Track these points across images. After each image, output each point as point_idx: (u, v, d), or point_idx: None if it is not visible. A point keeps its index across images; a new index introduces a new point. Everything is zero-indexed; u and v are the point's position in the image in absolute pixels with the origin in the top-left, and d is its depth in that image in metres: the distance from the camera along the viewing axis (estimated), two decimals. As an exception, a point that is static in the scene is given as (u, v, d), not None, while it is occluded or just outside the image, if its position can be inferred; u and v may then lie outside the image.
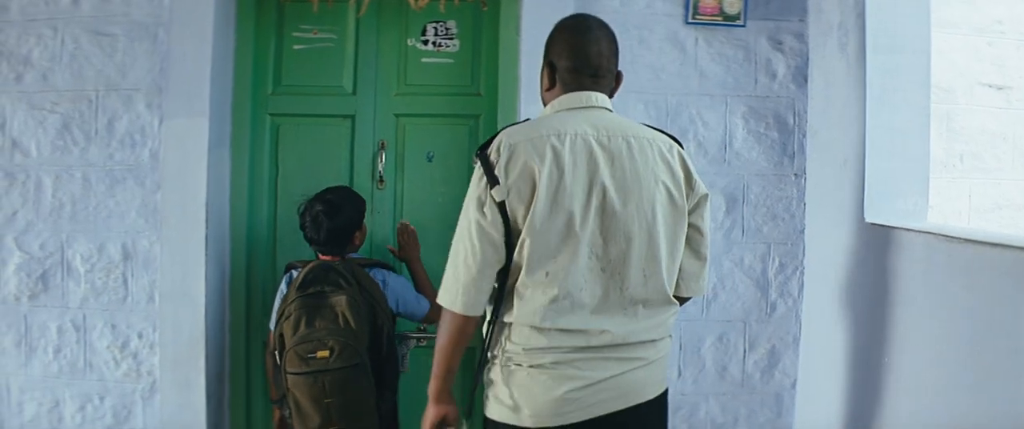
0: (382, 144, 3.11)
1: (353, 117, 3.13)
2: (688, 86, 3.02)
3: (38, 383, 3.06)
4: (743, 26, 3.02)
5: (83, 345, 3.04)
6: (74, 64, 3.00)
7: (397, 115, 3.13)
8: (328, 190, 2.83)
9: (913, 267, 2.38)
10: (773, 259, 3.06)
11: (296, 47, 3.14)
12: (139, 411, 3.04)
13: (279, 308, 2.73)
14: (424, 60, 3.14)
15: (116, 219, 3.01)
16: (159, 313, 2.99)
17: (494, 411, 2.06)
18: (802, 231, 3.06)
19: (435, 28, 3.13)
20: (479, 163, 1.99)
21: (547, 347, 1.98)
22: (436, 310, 2.86)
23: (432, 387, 2.11)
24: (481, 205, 1.96)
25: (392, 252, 3.07)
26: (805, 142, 3.05)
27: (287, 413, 2.71)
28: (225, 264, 3.11)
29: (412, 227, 3.04)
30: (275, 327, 2.73)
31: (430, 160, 3.12)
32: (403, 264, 3.07)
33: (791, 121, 3.05)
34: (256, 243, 3.15)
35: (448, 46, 3.13)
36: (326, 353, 2.58)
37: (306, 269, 2.71)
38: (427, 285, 2.97)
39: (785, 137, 3.05)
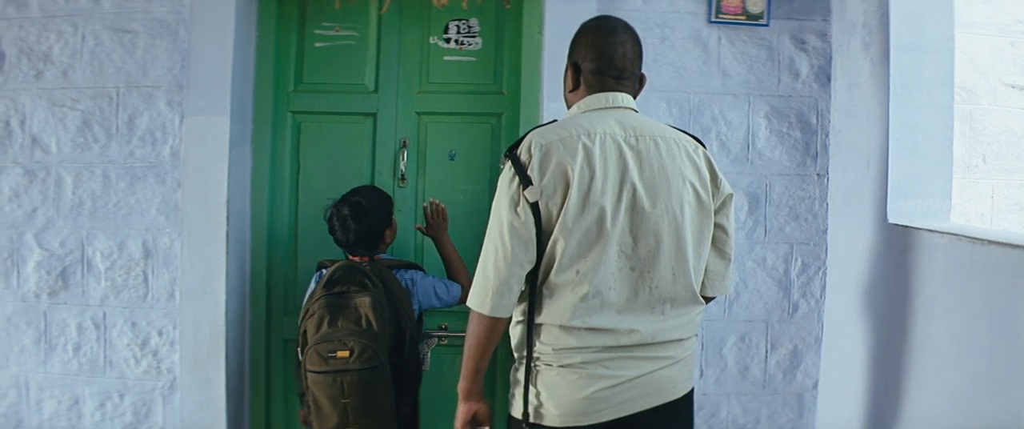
0: (404, 142, 3.24)
1: (375, 115, 3.26)
2: (711, 85, 3.15)
3: (57, 381, 3.19)
4: (766, 25, 3.15)
5: (103, 343, 3.17)
6: (95, 61, 3.13)
7: (419, 113, 3.26)
8: (355, 191, 2.94)
9: (935, 268, 2.47)
10: (795, 259, 3.18)
11: (318, 45, 3.27)
12: (159, 409, 3.17)
13: (305, 305, 2.85)
14: (446, 58, 3.27)
15: (137, 216, 3.14)
16: (179, 311, 3.12)
17: (519, 410, 2.16)
18: (825, 231, 3.19)
19: (457, 26, 3.26)
20: (509, 164, 2.08)
21: (577, 347, 2.07)
22: (468, 291, 3.00)
23: (462, 386, 2.20)
24: (514, 205, 2.04)
25: (420, 230, 3.15)
26: (828, 142, 3.17)
27: (306, 412, 2.82)
28: (246, 262, 3.24)
29: (442, 205, 3.13)
30: (301, 324, 2.84)
31: (452, 159, 3.25)
32: (429, 255, 3.19)
33: (814, 121, 3.17)
34: (277, 241, 3.27)
35: (470, 44, 3.26)
36: (346, 353, 2.68)
37: (333, 268, 2.82)
38: (458, 262, 3.07)
39: (808, 137, 3.17)
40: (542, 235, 2.06)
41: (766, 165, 3.17)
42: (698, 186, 2.16)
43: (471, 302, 2.11)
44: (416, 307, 2.93)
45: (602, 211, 2.04)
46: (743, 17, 3.15)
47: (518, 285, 2.08)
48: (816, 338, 3.20)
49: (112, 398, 3.18)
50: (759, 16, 3.14)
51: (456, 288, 3.00)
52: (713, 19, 3.14)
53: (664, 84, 3.13)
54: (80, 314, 3.17)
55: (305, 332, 2.79)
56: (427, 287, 2.95)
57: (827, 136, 3.17)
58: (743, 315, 3.19)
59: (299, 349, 2.81)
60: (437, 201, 3.12)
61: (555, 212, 2.04)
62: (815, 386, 3.21)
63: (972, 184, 3.54)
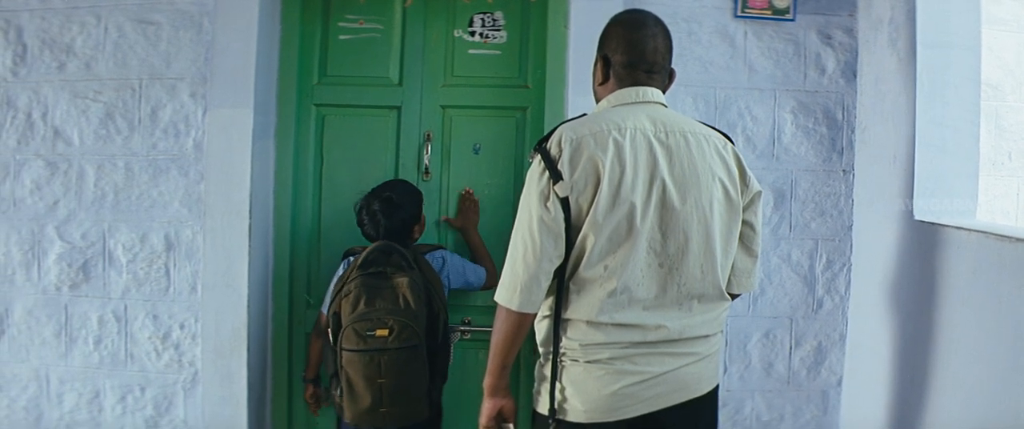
0: (428, 136, 3.34)
1: (399, 108, 3.37)
2: (737, 80, 3.25)
3: (78, 374, 3.30)
4: (792, 20, 3.25)
5: (124, 336, 3.28)
6: (118, 53, 3.24)
7: (443, 107, 3.37)
8: (386, 186, 3.06)
9: (962, 265, 2.56)
10: (821, 255, 3.29)
11: (342, 37, 3.37)
12: (180, 402, 3.28)
13: (335, 287, 2.95)
14: (471, 51, 3.37)
15: (159, 209, 3.25)
16: (201, 304, 3.23)
17: (545, 406, 2.23)
18: (850, 228, 3.29)
19: (482, 19, 3.37)
20: (539, 158, 2.14)
21: (604, 343, 2.15)
22: (493, 276, 3.12)
23: (487, 382, 2.27)
24: (544, 200, 2.10)
25: (448, 222, 3.31)
26: (854, 138, 3.27)
27: (337, 393, 2.91)
28: (268, 255, 3.35)
29: (476, 197, 3.29)
30: (329, 307, 2.94)
31: (477, 152, 3.35)
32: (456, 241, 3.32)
33: (840, 117, 3.28)
34: (300, 234, 3.38)
35: (495, 38, 3.36)
36: (385, 332, 2.78)
37: (368, 249, 2.92)
38: (484, 253, 3.23)
39: (834, 133, 3.28)
40: (571, 230, 2.12)
41: (792, 161, 3.28)
42: (727, 183, 2.22)
43: (499, 297, 2.17)
44: (446, 284, 3.05)
45: (632, 207, 2.10)
46: (769, 12, 3.25)
47: (547, 280, 2.14)
48: (841, 335, 3.30)
49: (133, 391, 3.29)
50: (785, 11, 3.25)
51: (482, 271, 3.15)
52: (739, 14, 3.24)
53: (690, 79, 3.23)
54: (101, 307, 3.28)
55: (337, 314, 2.87)
56: (457, 265, 3.09)
57: (853, 132, 3.28)
58: (768, 311, 3.30)
59: (329, 330, 2.90)
60: (471, 190, 3.29)
61: (585, 207, 2.10)
62: (839, 383, 3.32)
63: (997, 181, 3.64)
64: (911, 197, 2.90)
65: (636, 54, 2.25)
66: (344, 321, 2.84)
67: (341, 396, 2.89)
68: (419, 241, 3.18)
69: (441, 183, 3.38)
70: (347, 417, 2.90)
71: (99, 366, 3.30)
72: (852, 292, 3.29)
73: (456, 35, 3.38)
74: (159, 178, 3.25)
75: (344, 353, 2.83)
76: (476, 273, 3.15)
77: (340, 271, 3.05)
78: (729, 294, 2.31)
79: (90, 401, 3.31)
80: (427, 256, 3.04)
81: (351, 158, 3.38)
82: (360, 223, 3.04)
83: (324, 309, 3.04)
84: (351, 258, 3.04)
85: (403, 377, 2.81)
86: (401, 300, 2.83)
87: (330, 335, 2.91)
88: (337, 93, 3.39)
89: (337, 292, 2.91)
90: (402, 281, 2.85)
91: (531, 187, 2.15)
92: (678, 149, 2.18)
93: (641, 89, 2.26)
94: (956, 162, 2.92)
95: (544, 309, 2.23)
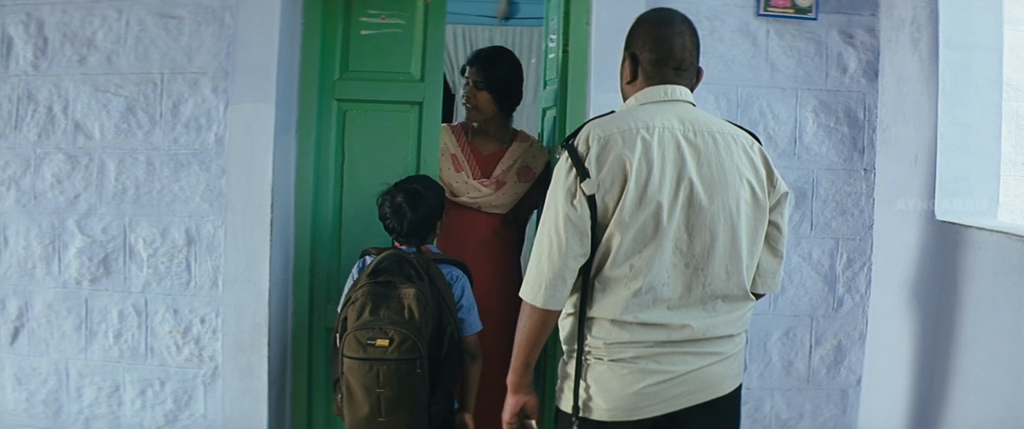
0: (451, 131, 3.43)
1: (421, 104, 3.44)
2: (759, 78, 3.33)
3: (98, 368, 3.37)
4: (815, 19, 3.33)
5: (144, 330, 3.35)
6: (139, 47, 3.30)
7: (465, 103, 3.46)
8: (409, 179, 3.12)
9: (984, 266, 2.63)
10: (841, 254, 3.37)
11: (364, 32, 3.44)
12: (200, 397, 3.36)
13: (347, 293, 3.02)
14: (493, 49, 3.47)
15: (180, 204, 3.32)
16: (222, 299, 3.31)
17: (569, 404, 2.28)
18: (871, 227, 3.37)
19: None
20: (566, 155, 2.19)
21: (628, 342, 2.20)
22: (477, 345, 3.10)
23: (511, 379, 2.33)
24: (571, 197, 2.15)
25: None
26: (875, 137, 3.35)
27: (339, 398, 2.98)
28: (289, 250, 3.42)
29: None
30: (341, 311, 3.01)
31: None
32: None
33: (861, 116, 3.36)
34: (321, 230, 3.45)
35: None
36: (385, 342, 2.83)
37: (380, 257, 2.97)
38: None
39: (855, 132, 3.36)
40: (597, 228, 2.16)
41: (813, 160, 3.35)
42: (754, 184, 2.26)
43: (524, 294, 2.21)
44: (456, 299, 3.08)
45: (659, 206, 2.14)
46: (792, 11, 3.32)
47: (572, 278, 2.18)
48: (860, 334, 3.38)
49: (153, 386, 3.37)
50: (808, 10, 3.32)
51: (478, 326, 3.12)
52: (762, 12, 3.32)
53: (713, 77, 3.26)
54: (122, 301, 3.35)
55: (346, 319, 2.94)
56: (469, 300, 3.10)
57: (874, 131, 3.35)
58: (788, 310, 3.37)
59: (338, 336, 2.96)
60: None
61: (612, 206, 2.15)
62: (859, 382, 3.40)
63: (1018, 182, 3.71)
64: (932, 197, 2.97)
65: (665, 52, 2.29)
66: (349, 328, 2.90)
67: (342, 401, 2.96)
68: (433, 247, 3.22)
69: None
70: (347, 424, 2.96)
71: (119, 360, 3.37)
72: (872, 291, 3.37)
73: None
74: (180, 173, 3.32)
75: (345, 360, 2.88)
76: (473, 323, 3.12)
77: (355, 272, 3.10)
78: (753, 294, 2.36)
79: (110, 395, 3.38)
80: (442, 267, 3.05)
81: (372, 154, 3.44)
82: (383, 217, 3.08)
83: (339, 309, 3.08)
84: (367, 258, 3.08)
85: (401, 388, 2.85)
86: (406, 311, 2.87)
87: (337, 340, 2.96)
88: (359, 88, 3.45)
89: (347, 299, 2.98)
90: (409, 292, 2.89)
91: (558, 184, 2.19)
92: (706, 148, 2.22)
93: (669, 87, 2.30)
94: (977, 162, 2.99)
95: (568, 307, 2.27)
